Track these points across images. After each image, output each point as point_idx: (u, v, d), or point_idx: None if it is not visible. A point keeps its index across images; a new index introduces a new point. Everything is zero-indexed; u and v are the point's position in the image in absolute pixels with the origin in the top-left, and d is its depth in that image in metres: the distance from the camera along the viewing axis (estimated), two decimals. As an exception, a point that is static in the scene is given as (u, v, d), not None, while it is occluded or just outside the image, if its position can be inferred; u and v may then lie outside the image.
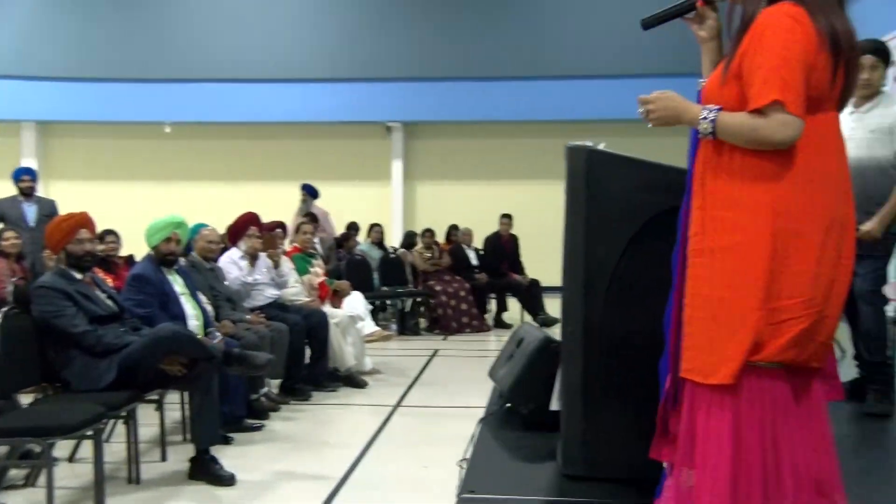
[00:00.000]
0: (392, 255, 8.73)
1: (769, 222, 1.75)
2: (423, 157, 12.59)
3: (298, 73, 11.80)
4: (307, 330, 5.15)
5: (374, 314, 8.09)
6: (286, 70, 11.82)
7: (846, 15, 1.80)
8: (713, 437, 1.77)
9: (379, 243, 8.98)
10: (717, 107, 1.80)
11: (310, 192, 8.59)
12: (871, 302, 3.39)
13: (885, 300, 3.53)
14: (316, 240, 7.54)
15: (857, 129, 3.73)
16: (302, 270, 5.75)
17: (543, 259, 9.35)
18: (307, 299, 5.53)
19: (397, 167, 12.45)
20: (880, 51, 3.65)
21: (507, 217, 9.18)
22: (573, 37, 11.31)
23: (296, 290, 5.48)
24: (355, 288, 6.55)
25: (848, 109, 3.84)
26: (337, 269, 7.59)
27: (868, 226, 3.36)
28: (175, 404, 4.19)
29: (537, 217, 10.25)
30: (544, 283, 8.65)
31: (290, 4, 12.06)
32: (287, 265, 5.54)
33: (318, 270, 5.93)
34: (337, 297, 6.07)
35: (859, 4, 7.16)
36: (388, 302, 8.53)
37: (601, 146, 2.66)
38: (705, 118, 1.78)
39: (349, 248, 8.55)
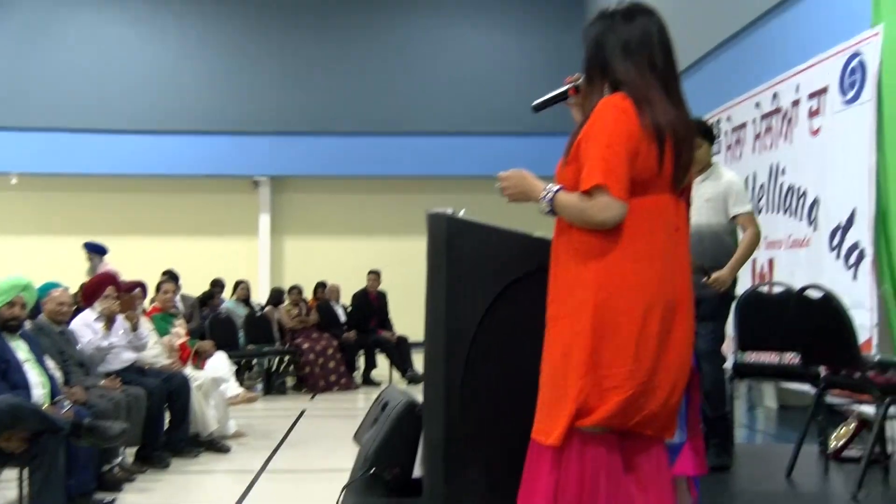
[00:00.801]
0: (258, 313, 8.54)
1: (592, 296, 1.88)
2: (291, 212, 12.48)
3: (163, 125, 11.50)
4: (167, 394, 4.93)
5: (240, 373, 7.87)
6: (150, 122, 11.49)
7: (674, 104, 1.97)
8: (540, 494, 1.90)
9: (245, 300, 8.77)
10: (557, 186, 1.95)
11: (96, 251, 7.85)
12: (711, 361, 3.63)
13: (724, 359, 3.80)
14: (178, 298, 7.29)
15: (694, 198, 4.02)
16: (162, 331, 5.54)
17: (412, 314, 9.36)
18: (167, 362, 5.32)
19: (264, 221, 12.28)
20: (701, 129, 4.02)
21: (374, 273, 9.20)
22: (440, 95, 11.62)
23: (155, 352, 5.26)
24: (219, 347, 6.33)
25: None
26: (200, 328, 7.35)
27: (722, 274, 3.63)
28: (12, 482, 3.88)
29: (405, 271, 10.31)
30: (413, 338, 8.69)
31: (156, 56, 11.78)
32: (146, 326, 5.32)
33: (179, 331, 5.72)
34: (199, 359, 5.87)
35: (684, 84, 7.83)
36: (254, 361, 8.31)
37: (461, 213, 2.75)
38: (544, 197, 1.95)
39: (213, 306, 8.30)
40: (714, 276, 3.63)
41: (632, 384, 1.86)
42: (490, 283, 2.64)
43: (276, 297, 9.03)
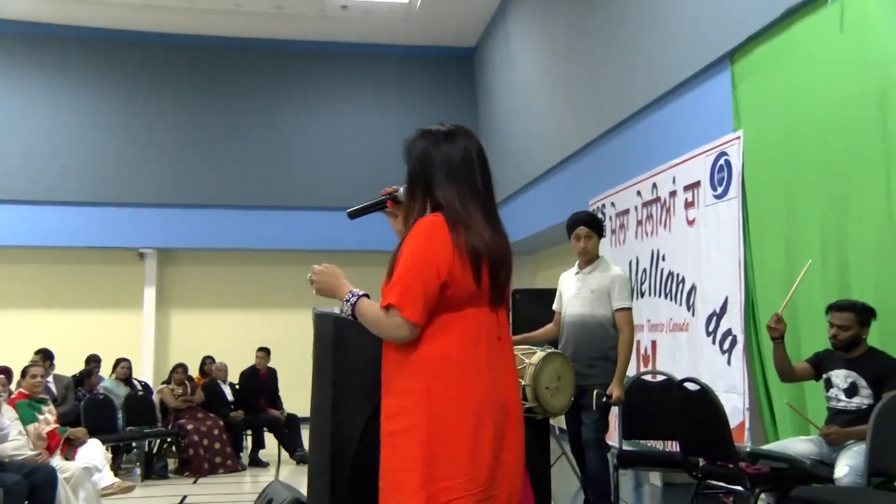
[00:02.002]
0: (140, 392, 8.14)
1: (425, 409, 1.92)
2: (178, 285, 12.08)
3: (44, 196, 11.00)
4: (29, 490, 4.59)
5: (117, 457, 7.44)
6: (31, 192, 10.97)
7: (492, 227, 2.06)
8: None
9: (125, 380, 8.34)
10: (361, 292, 2.02)
11: None
12: (596, 450, 3.72)
13: (608, 447, 3.89)
14: (50, 378, 6.88)
15: (581, 288, 4.20)
16: (27, 419, 5.18)
17: (303, 390, 9.18)
18: (32, 453, 4.98)
19: (150, 294, 11.82)
20: (592, 222, 4.20)
21: (264, 351, 8.97)
22: (330, 170, 11.63)
23: (17, 443, 4.92)
24: (95, 431, 5.98)
25: (574, 271, 4.33)
26: (74, 410, 6.93)
27: (616, 393, 3.80)
28: None
29: (295, 346, 10.09)
30: (303, 414, 8.47)
31: (41, 125, 11.29)
32: (8, 415, 4.98)
33: (48, 417, 5.37)
34: (70, 447, 5.51)
35: (567, 171, 8.21)
36: (133, 444, 7.88)
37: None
38: (347, 300, 2.02)
39: (90, 386, 7.85)
40: (614, 397, 3.82)
41: (472, 494, 1.88)
42: (377, 385, 2.63)
43: (160, 376, 8.64)
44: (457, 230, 1.98)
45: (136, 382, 8.58)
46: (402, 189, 2.15)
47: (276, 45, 11.88)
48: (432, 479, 1.87)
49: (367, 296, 2.02)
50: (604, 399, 3.84)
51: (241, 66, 11.86)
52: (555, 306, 4.43)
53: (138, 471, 7.58)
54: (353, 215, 2.24)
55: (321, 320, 2.71)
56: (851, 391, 3.58)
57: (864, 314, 3.62)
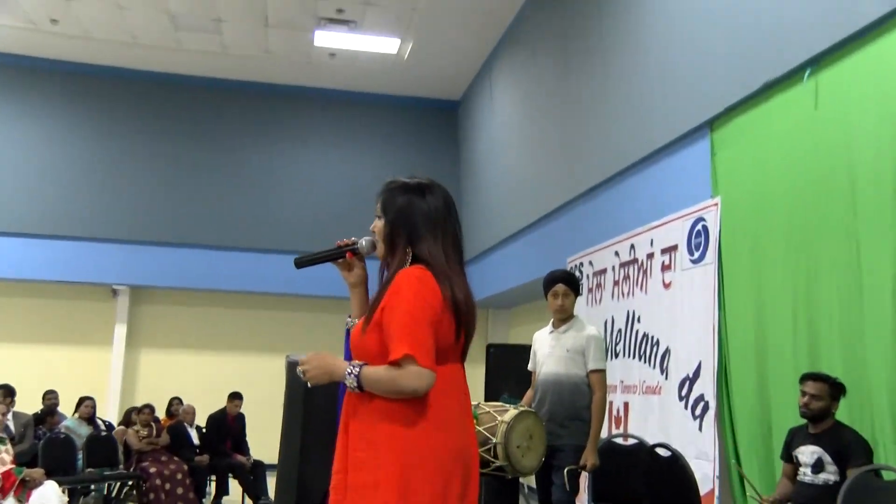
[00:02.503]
0: (104, 433, 7.95)
1: (399, 460, 1.90)
2: (149, 324, 11.91)
3: (15, 228, 10.86)
4: (-18, 532, 4.45)
5: (74, 500, 7.23)
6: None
7: (466, 281, 2.11)
8: None
9: (89, 419, 8.15)
10: (360, 363, 1.98)
11: None
12: (566, 512, 3.68)
13: (577, 510, 3.85)
14: (10, 416, 6.71)
15: (556, 347, 4.20)
16: (-14, 458, 5.05)
17: (269, 434, 9.06)
18: (-13, 493, 4.83)
19: (120, 332, 11.63)
20: (570, 280, 4.23)
21: (236, 397, 8.81)
22: (305, 214, 11.62)
23: (-26, 482, 4.77)
24: (53, 472, 5.81)
25: (548, 329, 4.34)
26: (32, 449, 6.75)
27: (591, 460, 3.79)
28: None
29: (265, 391, 10.00)
30: (269, 462, 8.33)
31: (14, 156, 11.19)
32: (-34, 453, 4.84)
33: (4, 457, 5.24)
34: (25, 488, 5.35)
35: (547, 228, 8.28)
36: (92, 487, 7.66)
37: None
38: (350, 373, 1.96)
39: (51, 425, 7.66)
40: (589, 465, 3.83)
41: None
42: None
43: (126, 416, 8.45)
44: (443, 283, 2.00)
45: (100, 422, 8.39)
46: (363, 241, 2.15)
47: (261, 88, 11.96)
48: None
49: (365, 364, 1.98)
50: (578, 472, 3.84)
51: (224, 107, 11.90)
52: (530, 366, 4.42)
53: (96, 514, 7.38)
54: (301, 264, 2.15)
55: (293, 368, 2.68)
56: (818, 467, 3.60)
57: (836, 388, 3.68)
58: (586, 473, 4.09)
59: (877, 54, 3.78)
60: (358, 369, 1.95)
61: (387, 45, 10.43)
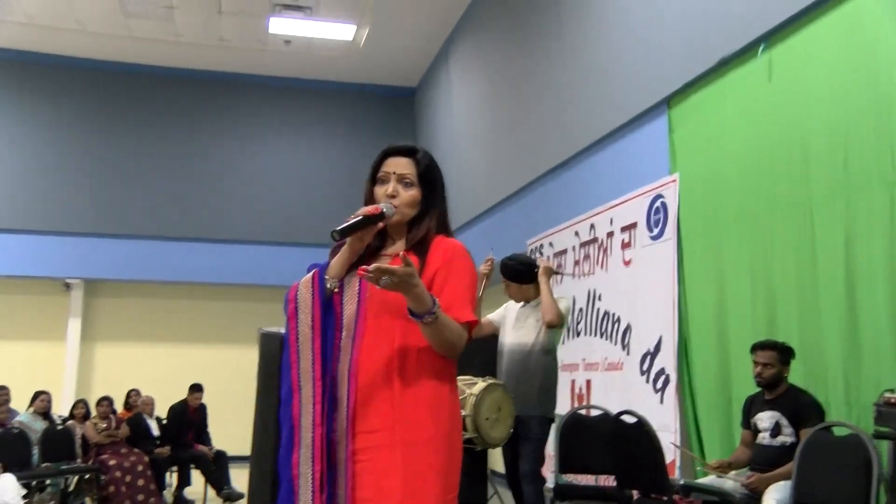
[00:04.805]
0: (59, 427, 7.79)
1: (448, 418, 1.95)
2: (105, 317, 11.68)
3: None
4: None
5: (31, 494, 7.07)
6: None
7: None
8: None
9: (45, 413, 7.97)
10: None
11: None
12: (532, 482, 3.73)
13: (544, 480, 3.90)
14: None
15: (523, 319, 4.30)
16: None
17: (231, 425, 8.95)
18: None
19: (74, 326, 11.39)
20: (507, 272, 4.39)
21: (197, 389, 8.69)
22: (264, 206, 11.51)
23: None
24: (7, 468, 5.67)
25: (521, 304, 4.40)
26: (-14, 444, 6.59)
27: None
28: None
29: (225, 381, 9.91)
30: (232, 451, 8.26)
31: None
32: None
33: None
34: (-18, 481, 5.23)
35: (506, 212, 8.35)
36: (48, 481, 7.50)
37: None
38: (435, 303, 1.87)
39: (1, 422, 7.47)
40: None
41: None
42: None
43: (82, 409, 8.27)
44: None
45: (55, 417, 8.21)
46: (386, 208, 2.01)
47: (216, 77, 11.79)
48: (448, 489, 1.92)
49: None
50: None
51: (178, 96, 11.71)
52: (491, 316, 4.50)
53: (53, 509, 7.22)
54: (344, 234, 1.97)
55: (268, 340, 2.65)
56: (775, 431, 3.72)
57: (785, 353, 3.80)
58: (552, 443, 4.15)
59: (828, 28, 3.89)
60: (437, 303, 1.88)
61: (342, 31, 10.37)
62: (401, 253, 1.86)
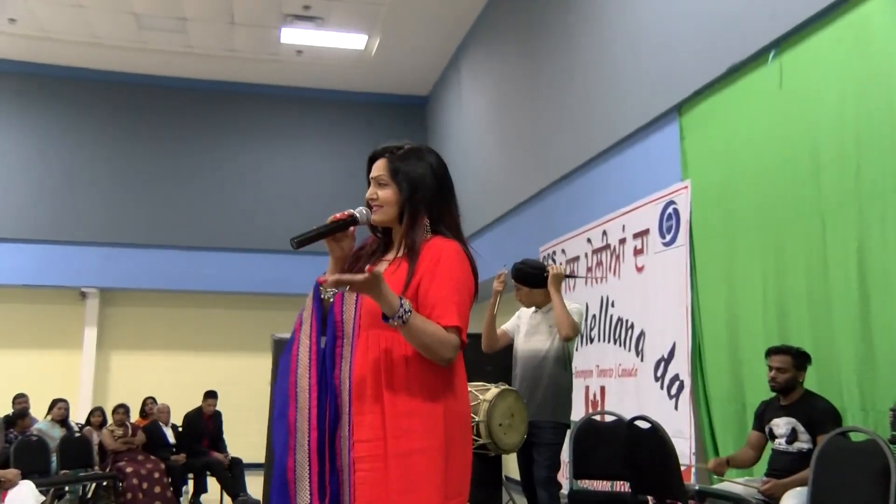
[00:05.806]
0: (77, 434, 7.86)
1: (442, 428, 1.92)
2: (120, 326, 11.78)
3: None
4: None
5: (50, 501, 7.14)
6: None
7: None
8: None
9: (62, 421, 8.04)
10: (409, 301, 1.89)
11: None
12: (547, 488, 3.74)
13: (560, 486, 3.91)
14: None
15: (536, 325, 4.32)
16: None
17: (247, 434, 9.04)
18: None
19: (90, 335, 11.49)
20: (519, 276, 4.40)
21: (211, 396, 8.76)
22: (278, 211, 11.55)
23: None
24: (26, 475, 5.73)
25: (532, 309, 4.41)
26: (3, 452, 6.66)
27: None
28: None
29: (241, 390, 9.98)
30: (247, 459, 8.31)
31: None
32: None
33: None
34: (0, 489, 5.29)
35: (518, 219, 8.36)
36: (66, 488, 7.57)
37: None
38: (402, 306, 1.84)
39: (22, 428, 7.56)
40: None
41: None
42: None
43: (99, 416, 8.35)
44: (473, 262, 2.05)
45: (73, 424, 8.29)
46: (360, 212, 2.02)
47: (228, 87, 11.89)
48: (447, 497, 1.91)
49: None
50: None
51: (191, 107, 11.81)
52: (505, 326, 4.49)
53: (72, 516, 7.29)
54: (301, 243, 1.96)
55: (281, 347, 2.70)
56: (792, 437, 3.71)
57: (800, 358, 3.78)
58: (567, 450, 4.16)
59: (838, 34, 3.90)
60: (409, 305, 1.85)
61: (354, 41, 10.44)
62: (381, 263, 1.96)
